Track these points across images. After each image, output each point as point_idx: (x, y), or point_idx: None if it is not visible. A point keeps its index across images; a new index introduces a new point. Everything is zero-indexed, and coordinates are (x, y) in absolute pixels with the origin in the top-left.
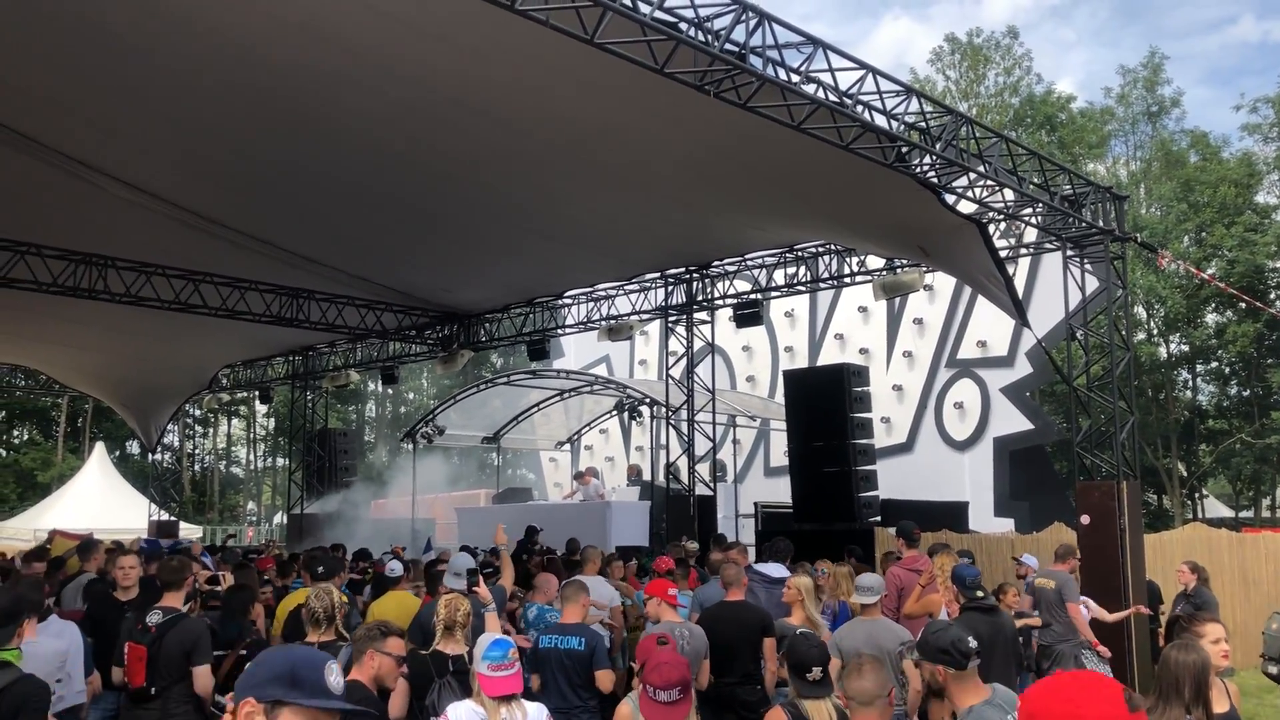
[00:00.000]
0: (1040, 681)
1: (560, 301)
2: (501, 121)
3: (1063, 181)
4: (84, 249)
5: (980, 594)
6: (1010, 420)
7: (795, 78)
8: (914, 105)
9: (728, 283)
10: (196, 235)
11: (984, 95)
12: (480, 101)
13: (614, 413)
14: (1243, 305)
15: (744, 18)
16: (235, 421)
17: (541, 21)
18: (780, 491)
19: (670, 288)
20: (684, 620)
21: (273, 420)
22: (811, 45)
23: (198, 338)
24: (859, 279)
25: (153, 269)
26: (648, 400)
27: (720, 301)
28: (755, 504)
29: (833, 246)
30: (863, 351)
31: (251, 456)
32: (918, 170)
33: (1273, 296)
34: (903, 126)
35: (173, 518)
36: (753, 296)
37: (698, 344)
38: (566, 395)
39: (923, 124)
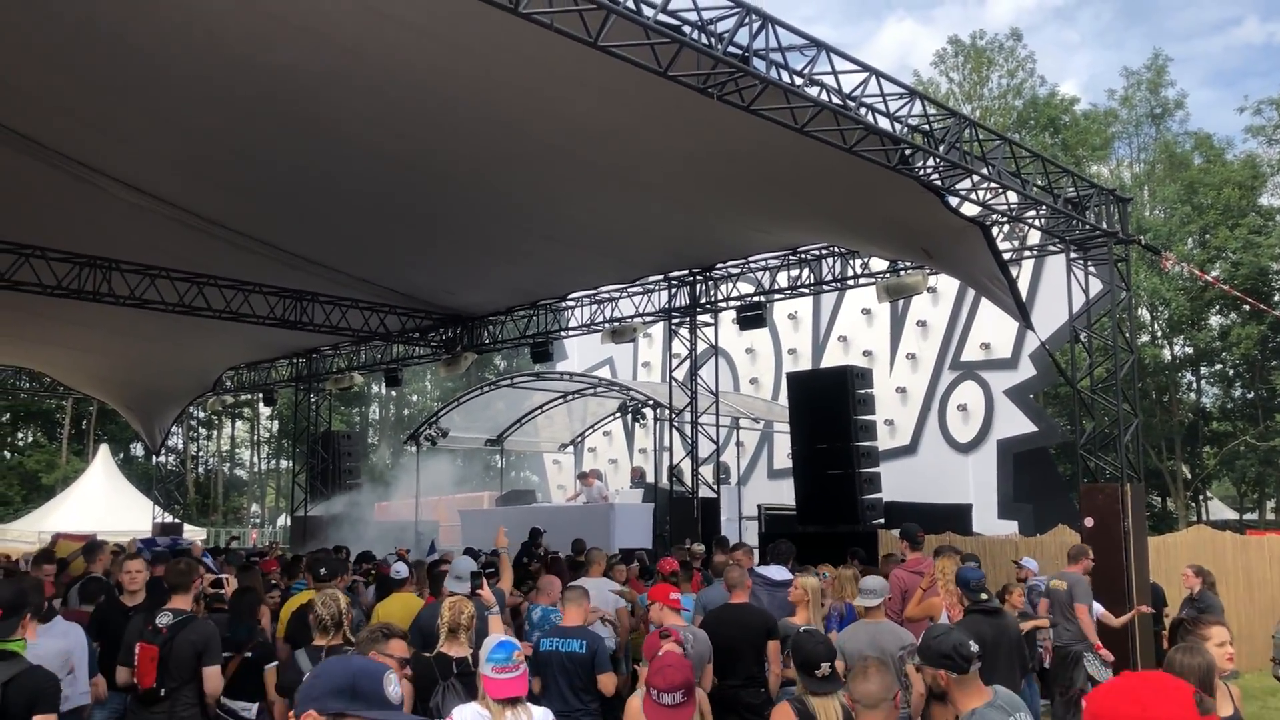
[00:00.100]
0: (1107, 683)
1: (563, 304)
2: (504, 124)
3: (1066, 184)
4: (88, 252)
5: (984, 596)
6: (1014, 422)
7: (798, 80)
8: (917, 108)
9: (731, 285)
10: (200, 238)
11: (987, 97)
12: (483, 104)
13: (617, 415)
14: (1246, 307)
15: (747, 20)
16: (239, 424)
17: (545, 24)
18: (784, 494)
19: (673, 290)
20: (687, 624)
21: (276, 422)
22: (815, 48)
23: (202, 340)
24: (862, 281)
25: (157, 271)
26: (651, 402)
27: (724, 304)
28: (758, 506)
29: (836, 249)
30: (866, 354)
31: (255, 459)
32: (921, 173)
33: (1277, 299)
34: (906, 129)
35: (176, 520)
36: (756, 299)
37: (701, 346)
38: (570, 397)
39: (926, 126)
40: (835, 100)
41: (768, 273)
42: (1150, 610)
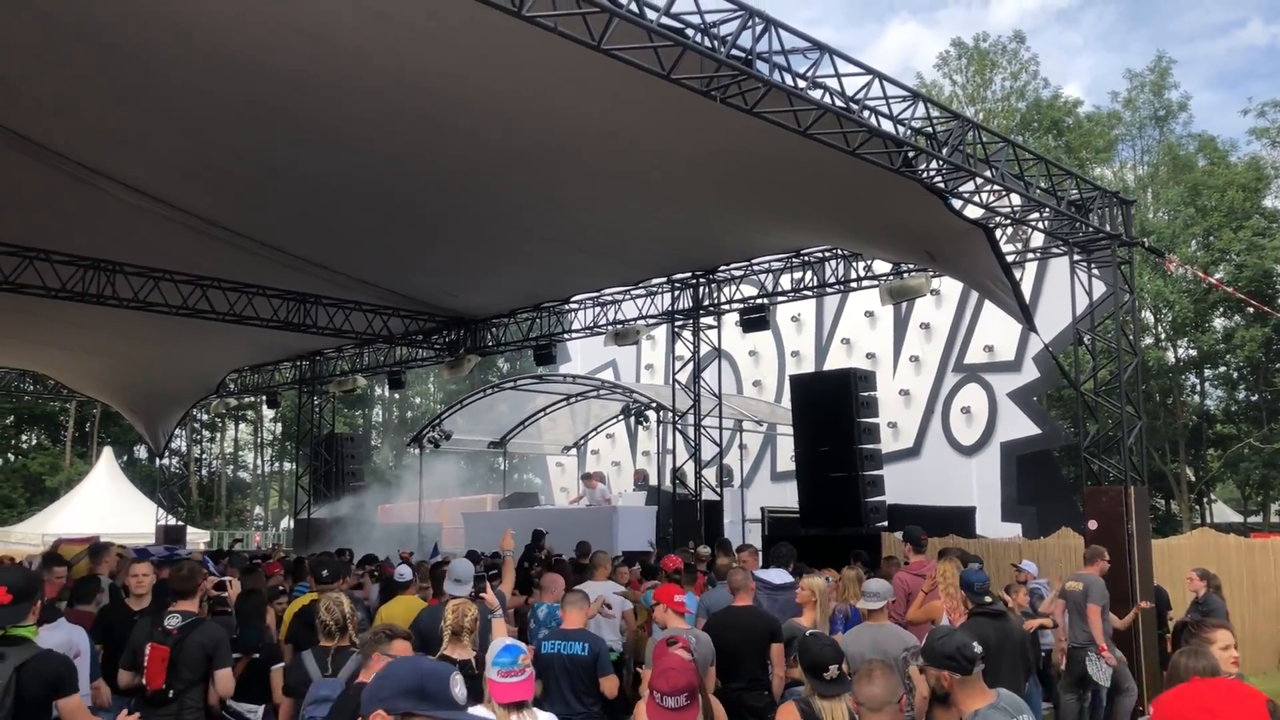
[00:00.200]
0: (1177, 689)
1: (566, 306)
2: (507, 126)
3: (1069, 186)
4: (92, 254)
5: (988, 599)
6: (1017, 425)
7: (801, 83)
8: (920, 110)
9: (734, 287)
10: (204, 240)
11: (991, 100)
12: (486, 106)
13: (620, 417)
14: (1251, 310)
15: (750, 23)
16: (242, 426)
17: (549, 28)
18: (787, 496)
19: (677, 292)
20: (690, 626)
21: (280, 425)
22: (818, 50)
23: (205, 342)
24: (866, 284)
25: (160, 274)
26: (654, 405)
27: (727, 306)
28: (762, 509)
29: (839, 251)
30: (869, 356)
31: (258, 461)
32: (924, 175)
33: None
34: (909, 131)
35: (180, 522)
36: (759, 301)
37: (704, 349)
38: (573, 400)
39: (929, 129)
40: (838, 103)
41: (771, 275)
42: (1149, 605)
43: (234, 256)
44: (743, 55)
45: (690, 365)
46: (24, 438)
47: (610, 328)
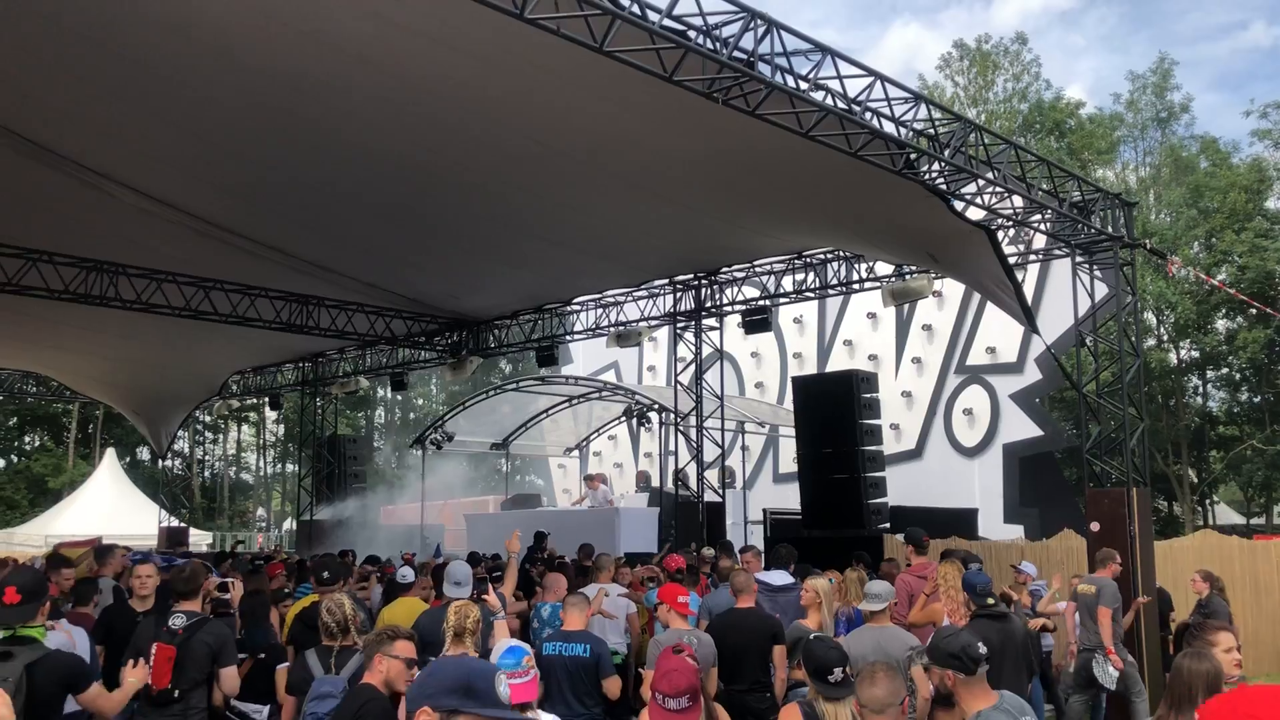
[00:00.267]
0: (1222, 695)
1: (569, 308)
2: (509, 128)
3: (1072, 188)
4: (95, 256)
5: (991, 601)
6: (1020, 427)
7: (803, 85)
8: (922, 112)
9: (736, 289)
10: (207, 242)
11: (993, 101)
12: (489, 109)
13: (623, 419)
14: (1253, 311)
15: (752, 25)
16: (245, 428)
17: (551, 30)
18: (789, 498)
19: (679, 294)
20: (692, 628)
21: (282, 426)
22: (820, 52)
23: (208, 344)
24: (868, 285)
25: (163, 276)
26: (656, 406)
27: (729, 308)
28: (764, 510)
29: (841, 253)
30: (872, 358)
31: (261, 463)
32: (926, 177)
33: None
34: (911, 133)
35: (183, 524)
36: (761, 303)
37: (706, 350)
38: (575, 401)
39: (931, 130)
40: (840, 105)
41: (773, 277)
42: (1148, 599)
43: (236, 258)
44: (745, 57)
45: (692, 367)
46: (27, 439)
47: (612, 329)
